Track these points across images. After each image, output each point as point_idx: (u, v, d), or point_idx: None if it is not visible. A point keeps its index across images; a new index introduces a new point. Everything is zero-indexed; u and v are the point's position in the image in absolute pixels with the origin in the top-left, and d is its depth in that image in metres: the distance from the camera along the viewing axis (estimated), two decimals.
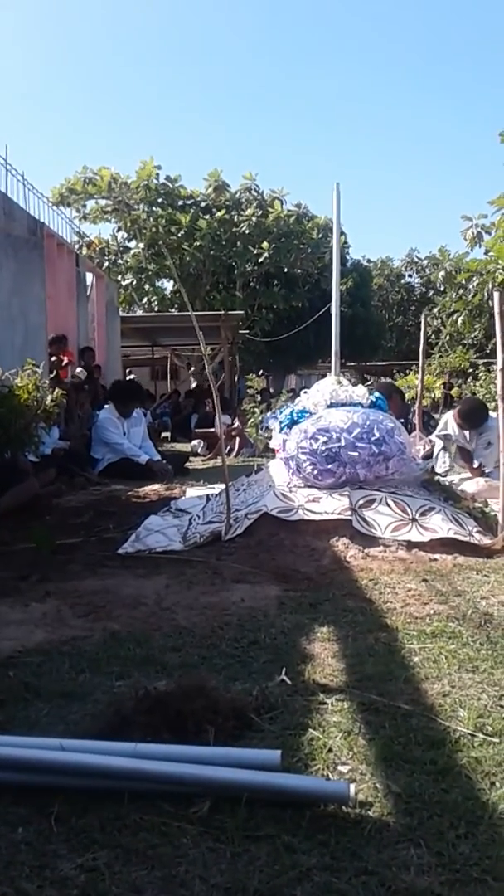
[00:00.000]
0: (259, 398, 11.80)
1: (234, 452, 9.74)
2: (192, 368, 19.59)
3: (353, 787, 1.54)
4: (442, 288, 27.62)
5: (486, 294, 17.80)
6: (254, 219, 20.02)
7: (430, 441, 6.42)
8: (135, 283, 21.14)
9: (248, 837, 1.44)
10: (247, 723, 1.88)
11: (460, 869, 1.34)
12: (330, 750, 1.77)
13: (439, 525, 3.89)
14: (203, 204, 20.84)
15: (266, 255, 19.79)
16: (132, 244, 21.42)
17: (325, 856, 1.38)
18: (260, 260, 20.05)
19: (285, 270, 21.02)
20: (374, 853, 1.38)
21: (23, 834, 1.46)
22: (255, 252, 19.96)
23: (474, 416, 6.04)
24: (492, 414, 6.00)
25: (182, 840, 1.43)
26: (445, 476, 5.84)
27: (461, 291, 20.36)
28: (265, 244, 19.77)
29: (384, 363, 33.05)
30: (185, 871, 1.35)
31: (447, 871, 1.34)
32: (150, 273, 20.88)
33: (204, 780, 1.56)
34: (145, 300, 21.50)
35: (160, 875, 1.34)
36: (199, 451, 10.45)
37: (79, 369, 9.40)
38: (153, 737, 1.73)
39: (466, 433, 6.06)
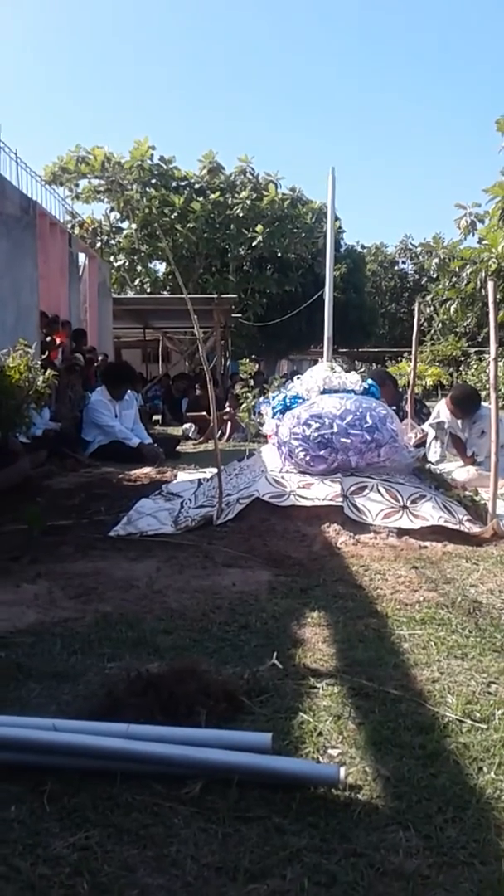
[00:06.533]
0: (252, 383, 11.77)
1: (226, 437, 9.74)
2: (187, 350, 19.51)
3: (342, 771, 1.55)
4: (435, 275, 27.57)
5: (479, 283, 17.79)
6: (248, 202, 19.88)
7: (423, 430, 6.43)
8: (127, 264, 21.02)
9: (239, 818, 1.45)
10: (238, 706, 1.89)
11: (448, 852, 1.36)
12: (320, 733, 1.79)
13: (430, 513, 3.91)
14: (197, 186, 20.67)
15: (260, 238, 19.68)
16: (125, 225, 21.27)
17: (315, 837, 1.40)
18: (254, 244, 19.94)
19: (279, 255, 20.91)
20: (363, 835, 1.40)
21: (16, 812, 1.47)
22: (249, 235, 19.85)
23: (467, 402, 6.05)
24: (484, 404, 6.02)
25: (174, 820, 1.45)
26: (437, 465, 5.86)
27: (454, 279, 20.34)
28: (259, 228, 19.65)
29: (376, 350, 33.08)
30: (176, 850, 1.36)
31: (435, 854, 1.36)
32: (142, 254, 20.76)
33: (196, 762, 1.58)
34: (137, 282, 21.38)
35: (152, 854, 1.35)
36: (190, 434, 10.44)
37: (78, 355, 9.40)
38: (145, 718, 1.74)
39: (459, 422, 6.08)
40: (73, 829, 1.42)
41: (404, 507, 3.97)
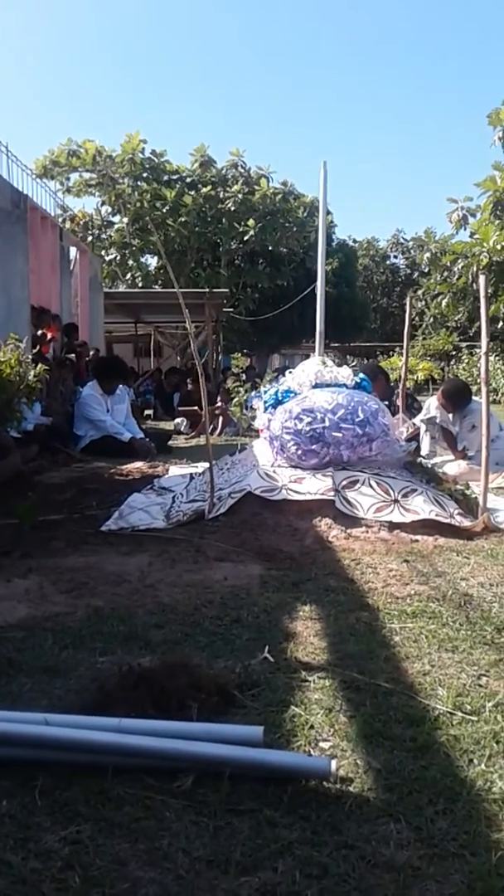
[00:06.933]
0: (244, 377, 11.77)
1: (218, 431, 9.73)
2: (179, 345, 19.47)
3: (334, 763, 1.55)
4: (427, 270, 27.57)
5: (470, 277, 17.83)
6: (240, 196, 19.85)
7: (414, 424, 6.44)
8: (118, 258, 20.95)
9: (231, 811, 1.46)
10: (230, 699, 1.89)
11: (438, 844, 1.37)
12: (311, 726, 1.79)
13: (421, 507, 3.92)
14: (189, 179, 20.61)
15: (252, 232, 19.66)
16: (116, 219, 21.20)
17: (307, 830, 1.40)
18: (245, 238, 19.91)
19: (270, 249, 20.89)
20: (354, 828, 1.41)
21: (7, 807, 1.47)
22: (241, 230, 19.81)
23: (458, 396, 6.07)
24: (475, 398, 6.04)
25: (165, 814, 1.45)
26: (429, 459, 5.87)
27: (446, 274, 20.38)
28: (251, 222, 19.62)
29: (367, 344, 33.10)
30: (168, 843, 1.37)
31: (425, 845, 1.36)
32: (134, 248, 20.70)
33: (187, 755, 1.58)
34: (129, 276, 21.30)
35: (144, 848, 1.36)
36: (182, 429, 10.42)
37: (71, 356, 9.41)
38: (137, 712, 1.74)
39: (450, 416, 6.09)
40: (65, 823, 1.42)
41: (396, 501, 3.98)
